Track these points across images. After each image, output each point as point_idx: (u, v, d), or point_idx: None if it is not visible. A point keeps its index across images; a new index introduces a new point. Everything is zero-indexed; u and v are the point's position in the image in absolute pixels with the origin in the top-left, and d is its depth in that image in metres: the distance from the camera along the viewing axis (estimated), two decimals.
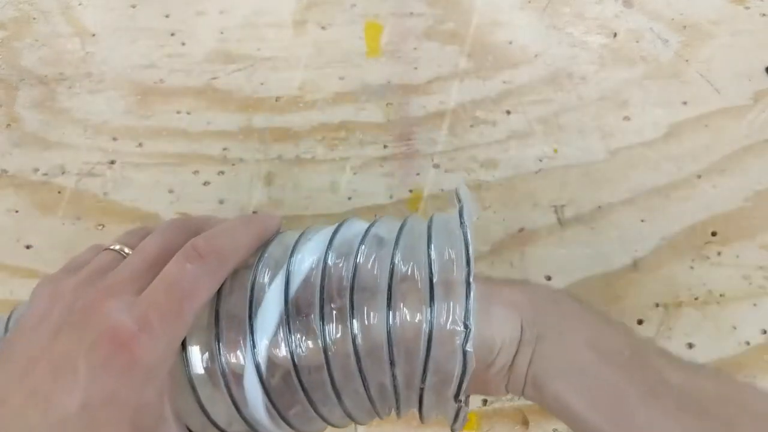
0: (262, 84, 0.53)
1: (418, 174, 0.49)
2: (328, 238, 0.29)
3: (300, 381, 0.27)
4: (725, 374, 0.30)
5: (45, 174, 0.49)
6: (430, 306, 0.27)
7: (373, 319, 0.27)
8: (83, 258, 0.31)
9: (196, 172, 0.49)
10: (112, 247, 0.30)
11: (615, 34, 0.56)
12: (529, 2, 0.57)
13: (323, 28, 0.56)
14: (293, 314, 0.27)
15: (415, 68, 0.54)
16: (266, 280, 0.28)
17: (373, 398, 0.28)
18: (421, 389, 0.28)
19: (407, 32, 0.56)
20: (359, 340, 0.27)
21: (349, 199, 0.48)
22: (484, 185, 0.49)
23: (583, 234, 0.47)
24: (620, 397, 0.29)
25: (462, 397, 0.28)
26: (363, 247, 0.29)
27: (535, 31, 0.56)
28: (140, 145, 0.51)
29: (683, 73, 0.54)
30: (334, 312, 0.27)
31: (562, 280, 0.46)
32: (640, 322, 0.44)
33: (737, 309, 0.45)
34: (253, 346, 0.27)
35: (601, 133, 0.51)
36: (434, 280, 0.27)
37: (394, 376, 0.27)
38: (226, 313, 0.27)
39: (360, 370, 0.27)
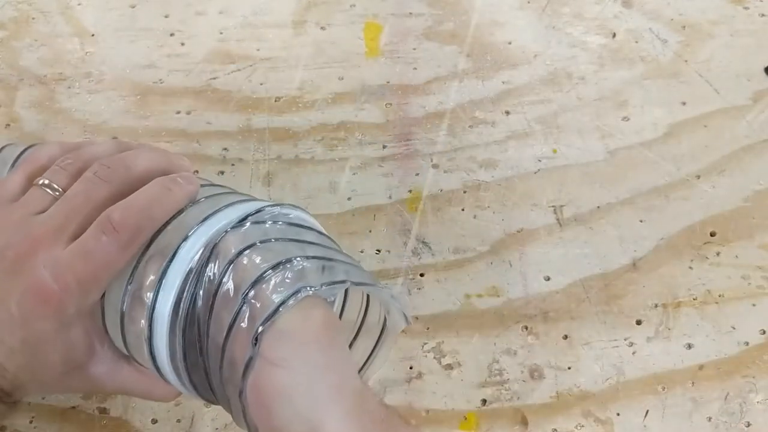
0: (261, 84, 0.53)
1: (417, 174, 0.49)
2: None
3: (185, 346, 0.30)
4: None
5: None
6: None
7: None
8: (14, 186, 0.34)
9: (195, 173, 0.49)
10: (42, 183, 0.33)
11: (614, 34, 0.56)
12: (529, 2, 0.57)
13: (322, 28, 0.56)
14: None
15: (415, 68, 0.54)
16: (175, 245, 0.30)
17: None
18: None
19: (406, 32, 0.56)
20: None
21: (349, 199, 0.48)
22: (483, 185, 0.49)
23: (582, 234, 0.47)
24: None
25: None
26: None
27: (534, 32, 0.56)
28: None
29: (682, 73, 0.54)
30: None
31: (560, 280, 0.46)
32: (638, 322, 0.44)
33: (736, 309, 0.45)
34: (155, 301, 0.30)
35: (600, 134, 0.51)
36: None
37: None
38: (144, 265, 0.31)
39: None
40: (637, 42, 0.55)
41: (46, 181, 0.33)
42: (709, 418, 0.41)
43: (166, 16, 0.57)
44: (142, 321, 0.30)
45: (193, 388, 0.31)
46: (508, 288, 0.45)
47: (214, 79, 0.54)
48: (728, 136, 0.51)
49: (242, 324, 0.28)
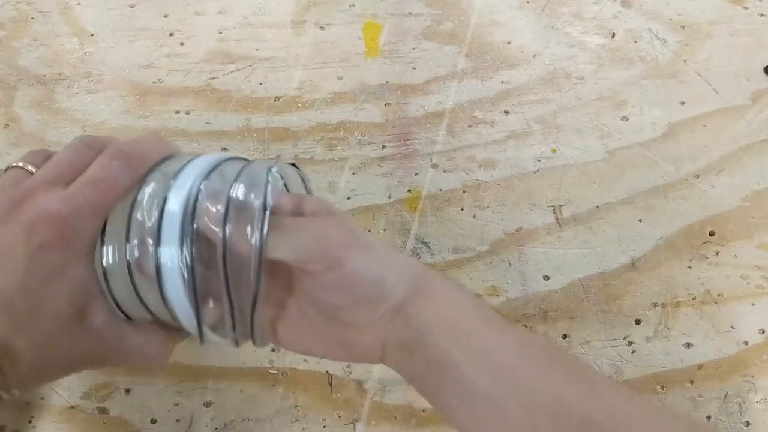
0: (260, 84, 0.53)
1: (416, 174, 0.49)
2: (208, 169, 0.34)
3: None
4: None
5: None
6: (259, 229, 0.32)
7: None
8: None
9: None
10: (16, 165, 0.33)
11: (613, 34, 0.56)
12: (528, 2, 0.57)
13: (322, 28, 0.56)
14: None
15: (414, 68, 0.54)
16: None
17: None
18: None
19: (406, 32, 0.56)
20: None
21: (348, 199, 0.48)
22: (483, 185, 0.49)
23: (581, 234, 0.47)
24: (504, 359, 0.32)
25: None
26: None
27: (533, 32, 0.56)
28: None
29: (681, 73, 0.54)
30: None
31: (560, 279, 0.46)
32: (638, 321, 0.44)
33: (735, 309, 0.45)
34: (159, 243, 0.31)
35: (599, 133, 0.51)
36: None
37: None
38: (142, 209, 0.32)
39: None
40: (636, 42, 0.55)
41: (21, 163, 0.33)
42: (709, 418, 0.41)
43: (166, 16, 0.57)
44: (150, 223, 0.31)
45: (195, 302, 0.33)
46: (507, 287, 0.45)
47: (214, 78, 0.54)
48: (727, 136, 0.51)
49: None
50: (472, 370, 0.31)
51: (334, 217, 0.34)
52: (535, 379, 0.31)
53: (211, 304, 0.33)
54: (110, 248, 0.32)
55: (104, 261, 0.32)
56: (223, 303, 0.33)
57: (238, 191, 0.32)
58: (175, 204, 0.32)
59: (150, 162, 0.33)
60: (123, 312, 0.34)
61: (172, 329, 0.35)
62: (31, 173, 0.32)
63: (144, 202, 0.32)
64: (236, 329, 0.34)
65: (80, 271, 0.31)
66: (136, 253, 0.32)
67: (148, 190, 0.32)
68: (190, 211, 0.32)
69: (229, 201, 0.32)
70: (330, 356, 0.36)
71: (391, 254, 0.35)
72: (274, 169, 0.34)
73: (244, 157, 0.37)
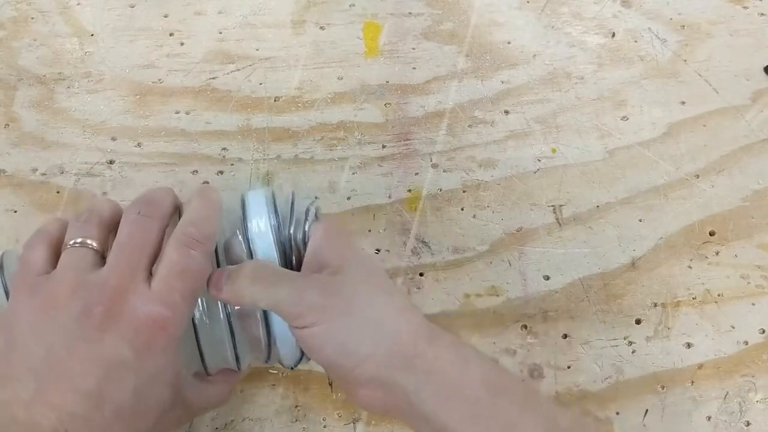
0: (260, 84, 0.53)
1: (416, 174, 0.49)
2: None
3: None
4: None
5: (44, 174, 0.49)
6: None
7: None
8: (38, 259, 0.32)
9: (194, 172, 0.49)
10: (75, 243, 0.32)
11: (613, 34, 0.56)
12: (528, 2, 0.57)
13: (322, 28, 0.56)
14: None
15: (414, 68, 0.54)
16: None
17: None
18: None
19: (406, 32, 0.56)
20: None
21: (348, 198, 0.48)
22: (483, 185, 0.49)
23: (581, 233, 0.47)
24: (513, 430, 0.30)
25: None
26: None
27: (533, 31, 0.56)
28: (139, 145, 0.51)
29: (681, 72, 0.54)
30: None
31: (560, 279, 0.46)
32: (638, 321, 0.44)
33: (735, 308, 0.45)
34: None
35: (599, 133, 0.51)
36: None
37: None
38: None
39: None
40: (636, 41, 0.55)
41: (79, 240, 0.32)
42: (709, 418, 0.41)
43: (166, 16, 0.57)
44: None
45: None
46: (507, 287, 0.45)
47: (214, 78, 0.54)
48: (727, 136, 0.51)
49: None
50: None
51: (335, 276, 0.33)
52: None
53: None
54: (201, 315, 0.34)
55: (198, 330, 0.34)
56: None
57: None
58: (265, 239, 0.34)
59: (215, 237, 0.33)
60: (206, 371, 0.36)
61: (229, 370, 0.37)
62: (96, 250, 0.32)
63: (225, 257, 0.34)
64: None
65: (179, 365, 0.32)
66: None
67: (223, 240, 0.35)
68: (286, 236, 0.35)
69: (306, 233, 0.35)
70: (347, 398, 0.37)
71: (382, 322, 0.32)
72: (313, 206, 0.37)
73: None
